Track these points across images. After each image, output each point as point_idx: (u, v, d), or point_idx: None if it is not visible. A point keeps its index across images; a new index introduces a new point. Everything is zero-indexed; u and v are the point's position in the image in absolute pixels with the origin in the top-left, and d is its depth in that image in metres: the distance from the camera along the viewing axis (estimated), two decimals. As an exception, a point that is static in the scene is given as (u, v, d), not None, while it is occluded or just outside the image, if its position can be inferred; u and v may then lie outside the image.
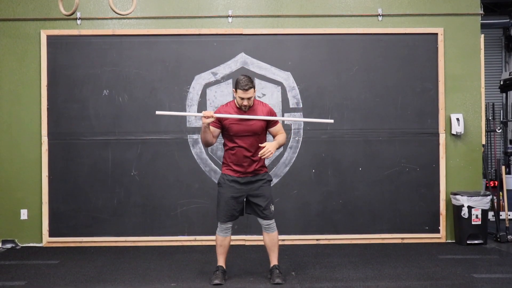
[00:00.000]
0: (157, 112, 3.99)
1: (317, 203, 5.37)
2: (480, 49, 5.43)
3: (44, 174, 5.28)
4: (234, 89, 3.86)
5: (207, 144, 3.88)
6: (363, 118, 5.38)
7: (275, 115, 3.97)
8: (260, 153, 3.72)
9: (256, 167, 3.88)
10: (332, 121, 4.29)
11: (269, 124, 3.90)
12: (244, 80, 3.77)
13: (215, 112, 3.85)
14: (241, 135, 3.83)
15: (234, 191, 3.88)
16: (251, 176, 3.88)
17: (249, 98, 3.78)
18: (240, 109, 3.85)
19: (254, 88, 3.82)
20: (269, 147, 3.72)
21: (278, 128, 3.94)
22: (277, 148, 3.90)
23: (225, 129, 3.87)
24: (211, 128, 3.81)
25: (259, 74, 5.31)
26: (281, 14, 5.38)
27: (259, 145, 3.78)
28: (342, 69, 5.39)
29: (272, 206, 3.95)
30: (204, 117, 3.69)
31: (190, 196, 5.34)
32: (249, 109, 3.85)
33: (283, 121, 4.88)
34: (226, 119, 3.83)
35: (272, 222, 3.95)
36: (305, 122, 5.36)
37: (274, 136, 3.95)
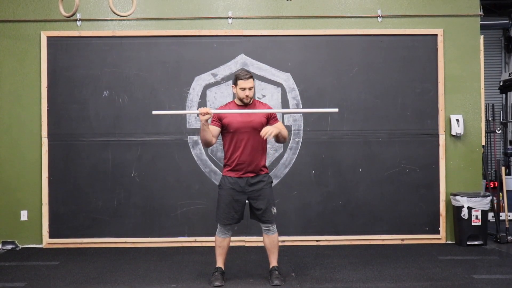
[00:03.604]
0: (154, 112, 3.96)
1: (317, 204, 5.38)
2: (480, 50, 5.44)
3: (44, 175, 5.28)
4: (233, 85, 3.89)
5: (206, 144, 3.84)
6: (363, 119, 5.39)
7: (275, 114, 3.96)
8: (261, 134, 3.68)
9: (256, 167, 3.86)
10: (336, 110, 4.14)
11: (269, 120, 3.90)
12: (243, 71, 3.86)
13: (214, 115, 3.86)
14: (241, 132, 3.81)
15: (234, 193, 3.87)
16: (252, 177, 3.87)
17: (250, 88, 3.80)
18: (240, 107, 3.87)
19: (254, 81, 3.86)
20: (268, 129, 3.68)
21: (278, 125, 3.91)
22: (278, 136, 3.82)
23: (225, 128, 3.86)
24: (211, 127, 3.80)
25: (259, 75, 5.32)
26: (281, 15, 5.39)
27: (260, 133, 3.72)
28: (342, 70, 5.40)
29: (274, 209, 3.93)
30: (201, 114, 3.69)
31: (190, 197, 5.34)
32: (249, 107, 3.87)
33: (283, 121, 4.88)
34: (226, 117, 3.84)
35: (272, 224, 3.94)
36: (305, 124, 5.36)
37: None
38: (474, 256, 4.81)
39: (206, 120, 3.70)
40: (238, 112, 3.83)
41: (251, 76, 3.83)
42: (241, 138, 3.83)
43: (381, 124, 5.39)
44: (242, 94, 3.83)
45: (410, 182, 5.38)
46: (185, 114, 5.34)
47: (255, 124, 3.84)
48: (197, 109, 5.26)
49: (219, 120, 3.86)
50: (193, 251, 5.11)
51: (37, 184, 5.30)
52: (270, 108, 3.97)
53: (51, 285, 3.96)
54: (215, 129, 3.85)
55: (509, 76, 7.45)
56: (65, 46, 5.32)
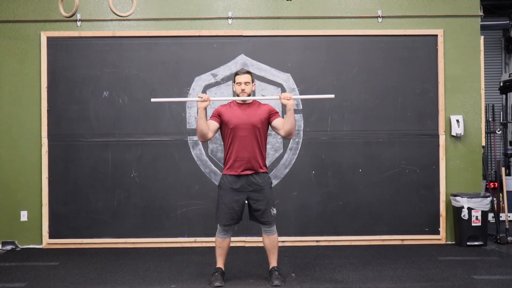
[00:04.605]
0: (153, 100, 4.03)
1: (317, 204, 5.38)
2: (480, 51, 5.44)
3: (44, 175, 5.28)
4: (233, 84, 3.97)
5: (202, 135, 3.82)
6: (363, 120, 5.39)
7: (276, 111, 3.96)
8: (282, 95, 3.80)
9: (255, 165, 3.85)
10: (333, 96, 4.07)
11: (270, 117, 3.90)
12: (241, 69, 3.98)
13: (215, 111, 3.89)
14: (241, 128, 3.82)
15: (233, 193, 3.86)
16: (251, 174, 3.86)
17: (246, 83, 3.86)
18: (240, 106, 3.89)
19: (253, 80, 3.92)
20: (288, 95, 3.80)
21: (280, 120, 3.91)
22: (289, 126, 3.82)
23: (224, 124, 3.87)
24: (209, 121, 3.84)
25: (259, 76, 5.31)
26: (281, 15, 5.39)
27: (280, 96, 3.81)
28: (342, 70, 5.40)
29: (274, 210, 3.92)
30: (200, 101, 3.74)
31: (190, 197, 5.34)
32: (249, 107, 3.89)
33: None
34: (226, 114, 3.86)
35: (272, 225, 3.94)
36: (305, 124, 5.36)
37: (277, 131, 3.91)
38: (474, 257, 4.81)
39: (205, 108, 3.75)
40: (237, 99, 3.89)
41: (247, 71, 3.91)
42: (240, 134, 3.83)
43: (381, 125, 5.39)
44: (238, 89, 3.88)
45: (410, 183, 5.38)
46: (185, 116, 5.33)
47: (255, 121, 3.85)
48: (197, 111, 5.27)
49: (218, 116, 3.88)
50: (193, 251, 5.11)
51: (37, 184, 5.30)
52: (270, 107, 3.96)
53: (51, 285, 3.96)
54: (213, 124, 3.86)
55: (509, 76, 7.45)
56: (65, 46, 5.32)
